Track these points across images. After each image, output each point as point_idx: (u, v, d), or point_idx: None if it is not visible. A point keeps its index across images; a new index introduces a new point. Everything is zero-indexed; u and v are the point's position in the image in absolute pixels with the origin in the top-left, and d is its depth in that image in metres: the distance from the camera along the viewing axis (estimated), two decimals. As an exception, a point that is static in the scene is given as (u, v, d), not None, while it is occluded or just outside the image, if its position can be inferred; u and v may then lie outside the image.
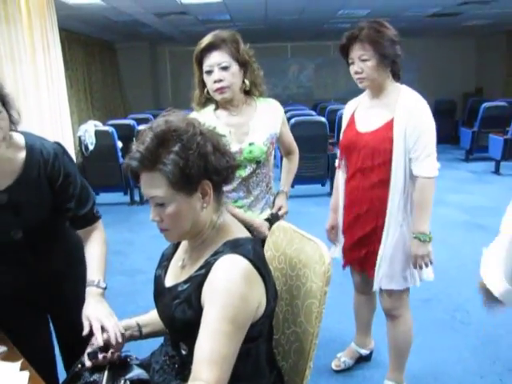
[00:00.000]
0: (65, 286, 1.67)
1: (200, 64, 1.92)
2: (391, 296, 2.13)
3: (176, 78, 12.46)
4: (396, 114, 1.96)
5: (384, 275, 2.06)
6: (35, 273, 1.58)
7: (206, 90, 1.97)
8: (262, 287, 1.13)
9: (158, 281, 1.31)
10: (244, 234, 1.22)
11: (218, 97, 1.93)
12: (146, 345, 1.48)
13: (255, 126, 2.01)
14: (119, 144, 6.04)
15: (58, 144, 1.53)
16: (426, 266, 2.01)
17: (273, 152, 2.13)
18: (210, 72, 1.89)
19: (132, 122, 6.84)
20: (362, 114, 2.13)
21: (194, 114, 1.99)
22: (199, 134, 1.12)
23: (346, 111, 2.24)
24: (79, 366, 1.26)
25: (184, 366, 1.20)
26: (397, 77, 2.07)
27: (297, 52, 12.39)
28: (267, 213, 2.13)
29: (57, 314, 1.74)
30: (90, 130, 5.83)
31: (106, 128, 6.17)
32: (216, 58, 1.87)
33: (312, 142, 5.69)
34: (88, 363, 1.22)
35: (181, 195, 1.11)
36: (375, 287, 2.11)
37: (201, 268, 1.14)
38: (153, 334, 1.41)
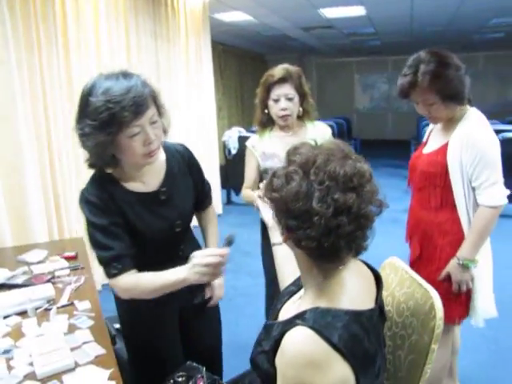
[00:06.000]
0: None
1: (268, 91, 2.05)
2: None
3: (322, 87, 12.43)
4: (451, 139, 1.76)
5: None
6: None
7: (266, 111, 2.11)
8: (344, 368, 0.85)
9: (279, 304, 1.13)
10: (349, 304, 0.92)
11: (281, 122, 2.07)
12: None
13: None
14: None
15: (181, 144, 1.61)
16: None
17: None
18: (277, 100, 2.03)
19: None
20: (433, 135, 1.94)
21: (254, 138, 2.19)
22: None
23: (427, 131, 2.03)
24: (171, 381, 1.18)
25: None
26: (465, 101, 1.78)
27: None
28: None
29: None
30: (233, 136, 5.99)
31: (250, 135, 6.21)
32: (284, 90, 2.01)
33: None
34: None
35: None
36: None
37: (286, 323, 0.93)
38: None
